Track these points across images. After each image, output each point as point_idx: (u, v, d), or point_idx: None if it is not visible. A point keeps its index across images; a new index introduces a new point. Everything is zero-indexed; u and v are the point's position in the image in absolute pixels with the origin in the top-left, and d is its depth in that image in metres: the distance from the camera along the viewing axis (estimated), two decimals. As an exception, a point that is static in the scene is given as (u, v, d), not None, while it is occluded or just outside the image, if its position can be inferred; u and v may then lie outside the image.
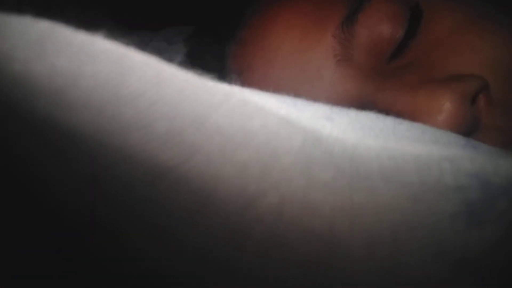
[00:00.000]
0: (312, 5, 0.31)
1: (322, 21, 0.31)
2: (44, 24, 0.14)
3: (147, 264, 0.10)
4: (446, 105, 0.26)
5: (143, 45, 0.54)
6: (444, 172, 0.17)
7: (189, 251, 0.11)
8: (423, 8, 0.30)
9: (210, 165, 0.13)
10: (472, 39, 0.29)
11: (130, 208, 0.11)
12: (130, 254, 0.10)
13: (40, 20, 0.14)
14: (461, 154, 0.19)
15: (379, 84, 0.29)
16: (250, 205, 0.13)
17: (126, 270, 0.10)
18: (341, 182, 0.15)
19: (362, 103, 0.30)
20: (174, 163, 0.12)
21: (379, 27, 0.29)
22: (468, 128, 0.27)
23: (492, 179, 0.17)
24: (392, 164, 0.17)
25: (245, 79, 0.34)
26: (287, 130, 0.16)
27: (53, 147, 0.11)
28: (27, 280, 0.10)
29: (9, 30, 0.13)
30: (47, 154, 0.11)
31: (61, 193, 0.11)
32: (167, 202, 0.11)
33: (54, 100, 0.12)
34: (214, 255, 0.11)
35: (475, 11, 0.30)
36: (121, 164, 0.11)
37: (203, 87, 0.15)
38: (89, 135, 0.12)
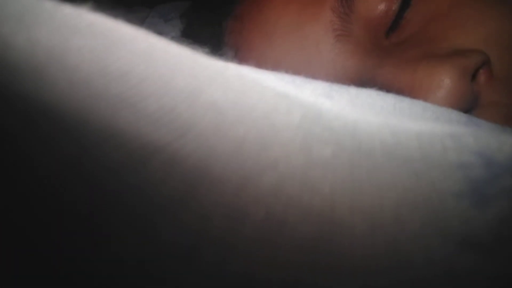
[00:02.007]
0: None
1: None
2: (26, -4, 0.13)
3: (130, 261, 0.10)
4: (445, 81, 0.26)
5: (139, 22, 0.53)
6: (447, 149, 0.17)
7: (182, 231, 0.10)
8: None
9: (204, 143, 0.12)
10: (473, 12, 0.28)
11: (117, 189, 0.10)
12: (119, 240, 0.10)
13: (21, -8, 0.13)
14: (464, 131, 0.18)
15: (379, 60, 0.29)
16: (247, 184, 0.12)
17: (108, 267, 0.10)
18: (342, 158, 0.14)
19: (361, 80, 0.29)
20: (164, 142, 0.11)
21: (375, 1, 0.28)
22: (468, 104, 0.27)
23: (496, 156, 0.17)
24: (394, 140, 0.16)
25: (243, 55, 0.33)
26: (285, 105, 0.16)
27: (34, 126, 0.11)
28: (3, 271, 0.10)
29: (-12, 1, 0.12)
30: (26, 133, 0.10)
31: (40, 175, 0.10)
32: (158, 182, 0.11)
33: (36, 76, 0.11)
34: (209, 237, 0.11)
35: None
36: (108, 145, 0.11)
37: (196, 62, 0.15)
38: (72, 114, 0.11)
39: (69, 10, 0.13)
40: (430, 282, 0.11)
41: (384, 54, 0.29)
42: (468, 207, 0.14)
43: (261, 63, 0.31)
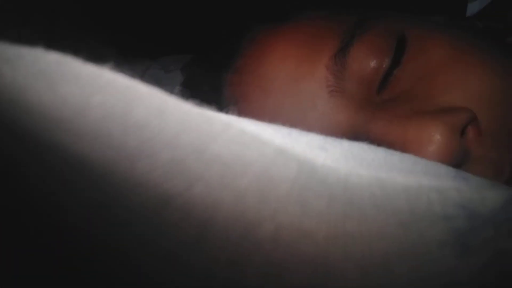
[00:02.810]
0: (307, 36, 0.33)
1: (316, 52, 0.32)
2: (54, 56, 0.14)
3: (155, 285, 0.11)
4: (436, 136, 0.27)
5: (140, 73, 0.55)
6: (433, 202, 0.18)
7: (193, 273, 0.11)
8: (411, 40, 0.31)
9: (210, 193, 0.13)
10: (460, 70, 0.30)
11: (137, 234, 0.11)
12: (139, 277, 0.11)
13: (50, 52, 0.15)
14: (449, 185, 0.19)
15: (371, 115, 0.30)
16: (248, 232, 0.13)
17: None
18: (335, 210, 0.15)
19: (354, 133, 0.31)
20: (177, 191, 0.13)
21: (367, 59, 0.30)
22: (458, 159, 0.28)
23: (479, 209, 0.18)
24: (383, 193, 0.17)
25: (241, 107, 0.34)
26: (283, 159, 0.17)
27: (63, 176, 0.12)
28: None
29: (22, 61, 0.14)
30: (57, 183, 0.12)
31: (72, 221, 0.11)
32: (172, 227, 0.12)
33: (63, 130, 0.12)
34: (217, 277, 0.11)
35: (463, 42, 0.32)
36: (128, 193, 0.12)
37: (203, 118, 0.16)
38: (97, 164, 0.12)
39: (93, 69, 0.14)
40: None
41: (376, 109, 0.30)
42: (452, 256, 0.15)
43: (259, 115, 0.33)
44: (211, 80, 0.38)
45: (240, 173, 0.15)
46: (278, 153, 0.17)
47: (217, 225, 0.12)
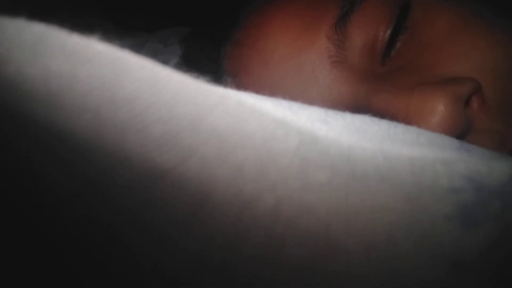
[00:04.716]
0: (306, 5, 0.32)
1: (316, 21, 0.31)
2: (38, 27, 0.14)
3: (144, 267, 0.10)
4: (439, 107, 0.26)
5: (139, 47, 0.54)
6: (439, 174, 0.17)
7: (185, 254, 0.11)
8: (415, 8, 0.30)
9: (206, 167, 0.13)
10: (465, 40, 0.29)
11: (127, 210, 0.11)
12: (128, 256, 0.10)
13: (34, 23, 0.14)
14: (455, 156, 0.19)
15: (374, 87, 0.29)
16: (246, 207, 0.13)
17: (123, 272, 0.10)
18: (337, 183, 0.15)
19: (357, 105, 0.30)
20: (170, 165, 0.12)
21: (369, 28, 0.29)
22: (461, 130, 0.27)
23: (487, 182, 0.17)
24: (387, 165, 0.17)
25: (241, 81, 0.34)
26: (283, 131, 0.16)
27: (50, 150, 0.11)
28: (24, 282, 0.10)
29: (3, 33, 0.13)
30: (44, 157, 0.11)
31: (60, 196, 0.11)
32: (164, 204, 0.11)
33: (49, 103, 0.12)
34: (210, 258, 0.11)
35: (468, 11, 0.31)
36: (118, 167, 0.11)
37: (198, 90, 0.16)
38: (85, 138, 0.11)
39: (79, 40, 0.14)
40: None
41: (379, 80, 0.29)
42: (458, 230, 0.15)
43: (259, 89, 0.32)
44: (210, 53, 0.37)
45: (237, 146, 0.14)
46: (278, 124, 0.16)
47: (212, 201, 0.12)
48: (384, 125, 0.25)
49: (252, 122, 0.16)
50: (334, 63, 0.30)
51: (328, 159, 0.16)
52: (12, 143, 0.11)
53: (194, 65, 0.40)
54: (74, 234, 0.10)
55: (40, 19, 0.14)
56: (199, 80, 0.16)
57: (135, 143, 0.12)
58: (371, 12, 0.30)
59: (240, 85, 0.33)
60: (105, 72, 0.13)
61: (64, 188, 0.11)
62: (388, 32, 0.30)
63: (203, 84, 0.16)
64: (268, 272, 0.11)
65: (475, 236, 0.15)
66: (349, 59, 0.30)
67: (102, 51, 0.14)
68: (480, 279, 0.14)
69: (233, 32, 0.35)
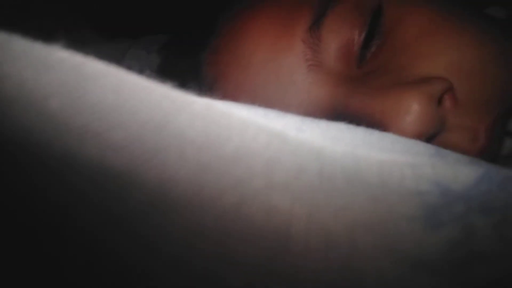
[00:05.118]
0: (283, 9, 0.32)
1: (292, 25, 0.31)
2: (-1, 36, 0.14)
3: (101, 254, 0.11)
4: (414, 106, 0.27)
5: (121, 53, 0.54)
6: (406, 177, 0.18)
7: (140, 248, 0.11)
8: (387, 12, 0.31)
9: (167, 168, 0.13)
10: (437, 40, 0.30)
11: (74, 211, 0.11)
12: (82, 243, 0.10)
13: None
14: (424, 161, 0.19)
15: (351, 89, 0.30)
16: (207, 205, 0.13)
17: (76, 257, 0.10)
18: (302, 181, 0.15)
19: (334, 108, 0.30)
20: (128, 167, 0.12)
21: (343, 31, 0.30)
22: (435, 127, 0.28)
23: (452, 186, 0.17)
24: (356, 167, 0.17)
25: (220, 86, 0.34)
26: (252, 132, 0.16)
27: (5, 153, 0.11)
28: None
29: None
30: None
31: (18, 198, 0.11)
32: (116, 202, 0.11)
33: (5, 107, 0.12)
34: (167, 253, 0.11)
35: (440, 12, 0.31)
36: (67, 169, 0.11)
37: (165, 95, 0.16)
38: (40, 142, 0.12)
39: (41, 47, 0.14)
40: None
41: (355, 83, 0.30)
42: (421, 230, 0.15)
43: (238, 94, 0.32)
44: (189, 61, 0.38)
45: (202, 148, 0.14)
46: (247, 126, 0.16)
47: (171, 198, 0.12)
48: (359, 132, 0.25)
49: (221, 124, 0.16)
50: (311, 67, 0.30)
51: (296, 159, 0.16)
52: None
53: (172, 72, 0.40)
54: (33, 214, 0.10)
55: (7, 28, 0.14)
56: (166, 86, 0.16)
57: (91, 147, 0.12)
58: (344, 16, 0.30)
59: (220, 91, 0.33)
60: (67, 79, 0.13)
61: (17, 190, 0.11)
62: (362, 35, 0.30)
63: (171, 89, 0.16)
64: (225, 267, 0.12)
65: (437, 237, 0.15)
66: (325, 62, 0.30)
67: (65, 58, 0.14)
68: (441, 279, 0.14)
69: (211, 39, 0.35)
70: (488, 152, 0.30)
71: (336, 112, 0.30)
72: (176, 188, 0.13)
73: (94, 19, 0.57)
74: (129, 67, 0.16)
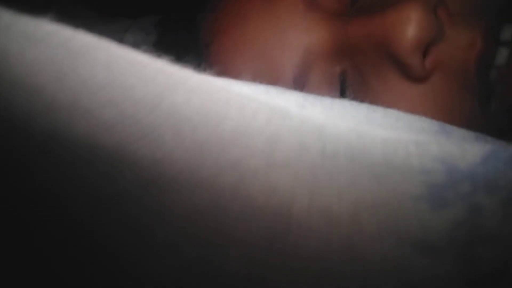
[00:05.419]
0: None
1: None
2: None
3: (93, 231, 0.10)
4: (413, 14, 0.29)
5: (120, 33, 0.53)
6: (411, 156, 0.17)
7: (133, 228, 0.10)
8: None
9: (162, 146, 0.12)
10: None
11: (57, 188, 0.10)
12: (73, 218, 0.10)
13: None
14: (429, 139, 0.19)
15: (348, 20, 0.31)
16: (204, 186, 0.12)
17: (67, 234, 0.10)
18: (305, 160, 0.14)
19: (334, 43, 0.32)
20: (120, 146, 0.12)
21: None
22: (436, 34, 0.30)
23: (458, 164, 0.17)
24: (359, 144, 0.17)
25: (220, 41, 0.34)
26: (251, 108, 0.16)
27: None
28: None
29: None
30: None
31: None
32: (106, 182, 0.11)
33: None
34: (158, 238, 0.11)
35: None
36: (53, 145, 0.11)
37: (160, 70, 0.15)
38: (25, 118, 0.11)
39: (28, 20, 0.13)
40: (382, 279, 0.12)
41: (352, 15, 0.31)
42: (425, 210, 0.14)
43: (238, 46, 0.33)
44: (185, 34, 0.38)
45: (199, 125, 0.14)
46: (246, 102, 0.16)
47: (166, 177, 0.12)
48: (363, 109, 0.24)
49: (219, 101, 0.15)
50: (308, 7, 0.32)
51: (298, 136, 0.15)
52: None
53: (168, 48, 0.39)
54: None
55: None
56: (161, 61, 0.16)
57: (80, 125, 0.11)
58: None
59: (220, 46, 0.34)
60: (55, 53, 0.13)
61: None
62: None
63: (166, 64, 0.16)
64: (223, 252, 0.11)
65: (442, 217, 0.14)
66: (321, 2, 0.32)
67: (53, 31, 0.13)
68: (445, 259, 0.13)
69: (208, 3, 0.36)
70: (484, 60, 0.31)
71: (337, 47, 0.32)
72: (171, 168, 0.12)
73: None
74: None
